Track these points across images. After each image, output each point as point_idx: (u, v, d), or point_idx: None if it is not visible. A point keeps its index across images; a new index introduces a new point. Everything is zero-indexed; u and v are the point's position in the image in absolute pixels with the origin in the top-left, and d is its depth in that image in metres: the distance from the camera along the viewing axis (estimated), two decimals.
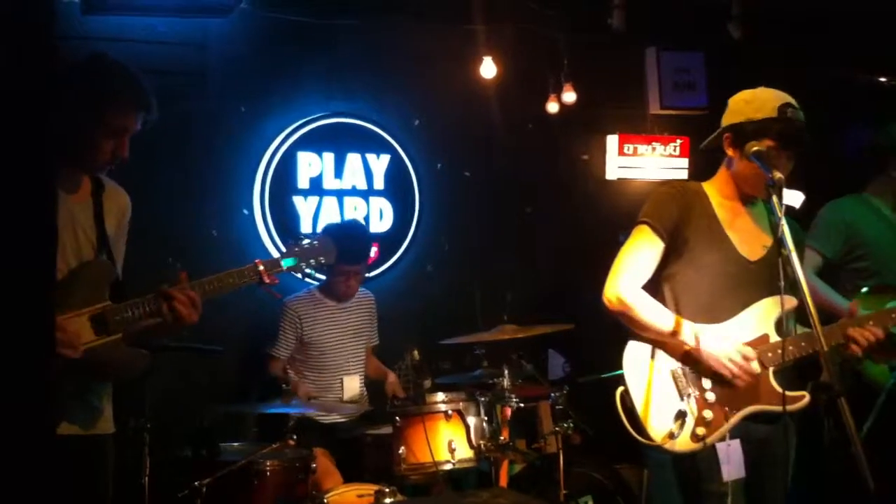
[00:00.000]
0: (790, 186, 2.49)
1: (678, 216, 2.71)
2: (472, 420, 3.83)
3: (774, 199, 2.41)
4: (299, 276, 2.78)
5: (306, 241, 2.76)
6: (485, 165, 5.35)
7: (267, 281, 2.60)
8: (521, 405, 4.08)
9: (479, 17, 5.08)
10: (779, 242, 2.44)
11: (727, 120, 2.76)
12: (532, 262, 5.44)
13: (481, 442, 3.80)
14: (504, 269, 5.30)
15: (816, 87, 5.55)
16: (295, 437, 3.48)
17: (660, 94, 5.46)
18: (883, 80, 5.65)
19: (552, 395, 4.09)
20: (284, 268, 2.68)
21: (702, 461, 2.61)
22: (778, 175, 2.43)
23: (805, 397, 2.68)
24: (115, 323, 2.40)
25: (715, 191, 2.80)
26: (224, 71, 4.71)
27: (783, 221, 2.39)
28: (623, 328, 2.77)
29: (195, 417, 3.79)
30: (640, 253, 2.72)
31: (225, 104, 4.72)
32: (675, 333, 2.63)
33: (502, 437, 3.85)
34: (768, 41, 5.37)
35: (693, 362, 2.66)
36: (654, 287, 2.77)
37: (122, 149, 2.47)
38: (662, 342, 2.68)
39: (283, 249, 2.93)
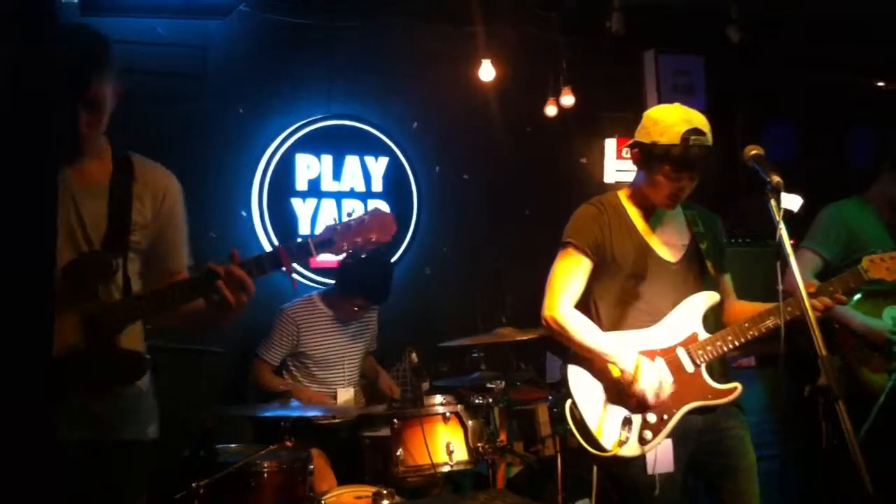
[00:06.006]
0: (789, 189, 2.48)
1: (600, 234, 2.85)
2: (470, 422, 3.83)
3: (773, 202, 2.40)
4: (342, 256, 2.49)
5: (352, 218, 2.45)
6: (483, 168, 5.35)
7: (285, 268, 2.31)
8: (520, 408, 4.08)
9: (479, 20, 5.09)
10: (779, 246, 2.43)
11: (638, 135, 2.87)
12: (530, 265, 5.39)
13: (479, 444, 3.80)
14: (502, 271, 5.30)
15: (815, 90, 5.59)
16: (292, 438, 3.47)
17: (658, 97, 5.47)
18: (881, 84, 5.67)
19: (550, 397, 4.10)
20: (315, 253, 2.33)
21: (634, 457, 2.73)
22: (776, 179, 2.43)
23: (737, 388, 2.79)
24: (108, 325, 2.15)
25: (629, 200, 2.94)
26: (223, 72, 4.71)
27: (781, 225, 2.39)
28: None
29: (193, 419, 3.78)
30: (571, 273, 2.85)
31: (224, 106, 4.72)
32: (610, 359, 2.75)
33: (500, 440, 3.85)
34: (767, 44, 5.38)
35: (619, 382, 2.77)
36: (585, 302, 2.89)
37: (99, 121, 2.20)
38: (596, 361, 2.80)
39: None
